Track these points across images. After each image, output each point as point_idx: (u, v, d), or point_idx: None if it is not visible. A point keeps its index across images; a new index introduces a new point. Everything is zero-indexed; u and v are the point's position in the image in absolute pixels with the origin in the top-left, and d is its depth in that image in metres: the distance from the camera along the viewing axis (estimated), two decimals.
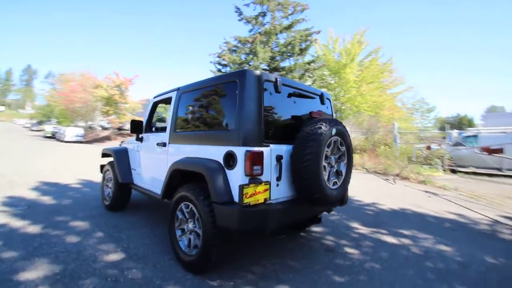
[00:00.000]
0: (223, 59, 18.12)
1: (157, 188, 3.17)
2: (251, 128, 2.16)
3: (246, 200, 2.05)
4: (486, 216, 4.69)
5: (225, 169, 2.23)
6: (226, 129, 2.36)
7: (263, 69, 17.15)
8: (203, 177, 2.26)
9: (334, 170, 2.55)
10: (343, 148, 2.60)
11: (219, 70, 18.41)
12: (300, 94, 2.71)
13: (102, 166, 4.63)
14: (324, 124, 2.32)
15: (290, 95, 2.57)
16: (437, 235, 3.68)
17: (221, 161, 2.27)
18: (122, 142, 4.72)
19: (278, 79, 2.40)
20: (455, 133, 13.99)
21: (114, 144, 18.28)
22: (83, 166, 8.82)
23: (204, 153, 2.48)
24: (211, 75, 16.36)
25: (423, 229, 3.87)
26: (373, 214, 4.63)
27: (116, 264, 2.55)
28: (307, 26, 17.37)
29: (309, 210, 2.64)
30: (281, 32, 17.72)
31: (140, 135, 3.62)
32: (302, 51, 17.39)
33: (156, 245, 3.00)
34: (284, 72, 18.09)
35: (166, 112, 3.65)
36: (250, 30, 18.86)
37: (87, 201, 4.68)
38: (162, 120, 4.08)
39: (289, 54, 17.75)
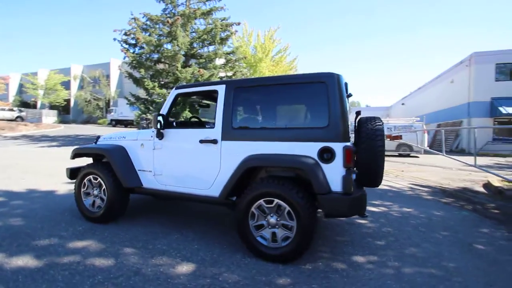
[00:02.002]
0: (135, 38, 16.02)
1: (201, 188, 2.95)
2: (344, 125, 2.45)
3: (351, 189, 2.37)
4: (404, 185, 6.54)
5: (320, 162, 2.44)
6: (318, 126, 2.53)
7: (183, 55, 16.20)
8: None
9: None
10: None
11: (127, 50, 16.21)
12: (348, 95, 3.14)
13: (73, 171, 3.67)
14: (379, 121, 2.85)
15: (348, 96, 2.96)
16: (394, 201, 4.97)
17: (315, 156, 2.46)
18: (99, 137, 3.86)
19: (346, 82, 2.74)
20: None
21: None
22: None
23: (285, 150, 2.56)
24: (115, 53, 14.13)
25: (382, 199, 5.11)
26: None
27: (200, 274, 2.34)
28: (226, 15, 17.51)
29: None
30: (200, 17, 17.15)
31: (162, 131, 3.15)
32: (223, 41, 17.44)
33: (214, 247, 2.84)
34: (204, 60, 17.72)
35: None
36: (164, 9, 17.38)
37: (51, 217, 3.63)
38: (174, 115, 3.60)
39: (208, 42, 17.44)
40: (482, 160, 11.18)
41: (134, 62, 15.81)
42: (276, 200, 2.53)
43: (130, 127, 24.85)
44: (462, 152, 18.11)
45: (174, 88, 3.25)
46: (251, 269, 2.44)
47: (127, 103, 18.02)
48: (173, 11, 17.41)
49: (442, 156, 9.80)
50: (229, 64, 17.97)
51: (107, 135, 3.85)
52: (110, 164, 3.40)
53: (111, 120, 30.87)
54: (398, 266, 2.59)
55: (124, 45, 16.67)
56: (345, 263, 2.62)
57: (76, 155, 3.72)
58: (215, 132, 2.89)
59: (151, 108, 17.01)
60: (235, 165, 2.75)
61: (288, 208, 2.48)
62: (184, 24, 16.17)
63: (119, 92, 35.94)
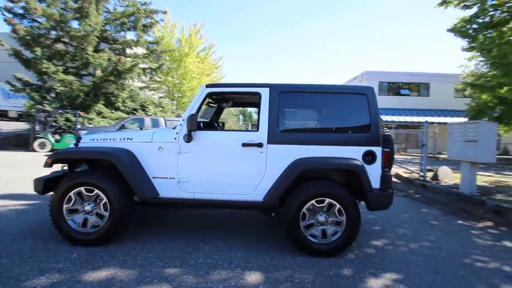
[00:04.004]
0: (25, 8, 12.58)
1: (241, 194, 2.83)
2: (380, 132, 2.90)
3: (391, 186, 2.83)
4: None
5: (364, 164, 2.80)
6: (362, 132, 2.85)
7: (96, 38, 13.84)
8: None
9: None
10: None
11: (14, 21, 12.64)
12: None
13: (49, 182, 2.80)
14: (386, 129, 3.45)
15: None
16: None
17: (360, 159, 2.81)
18: (80, 138, 3.06)
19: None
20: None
21: None
22: None
23: (331, 153, 2.79)
24: None
25: None
26: None
27: (275, 280, 2.30)
28: (146, 0, 15.90)
29: None
30: None
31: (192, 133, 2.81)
32: (146, 28, 15.77)
33: (256, 252, 2.78)
34: (121, 46, 15.66)
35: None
36: None
37: (19, 247, 2.67)
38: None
39: (128, 27, 15.46)
40: None
41: (28, 38, 12.33)
42: (327, 200, 2.75)
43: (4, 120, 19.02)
44: None
45: (204, 86, 2.95)
46: (313, 266, 2.56)
47: (11, 90, 13.90)
48: None
49: None
50: (153, 55, 16.43)
51: (96, 135, 3.09)
52: (114, 172, 2.79)
53: None
54: (404, 244, 3.25)
55: (7, 14, 12.84)
56: (370, 247, 3.09)
57: (57, 160, 2.83)
58: (260, 136, 2.83)
59: (48, 97, 13.73)
60: (281, 169, 2.79)
61: (338, 205, 2.74)
62: (98, 1, 13.76)
63: None
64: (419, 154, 10.79)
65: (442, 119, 20.45)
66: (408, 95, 22.75)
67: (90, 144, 2.99)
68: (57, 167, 3.04)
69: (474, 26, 8.11)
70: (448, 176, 7.44)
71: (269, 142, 2.82)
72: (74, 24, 13.96)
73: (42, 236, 2.96)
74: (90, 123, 13.28)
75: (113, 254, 2.63)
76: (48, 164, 2.82)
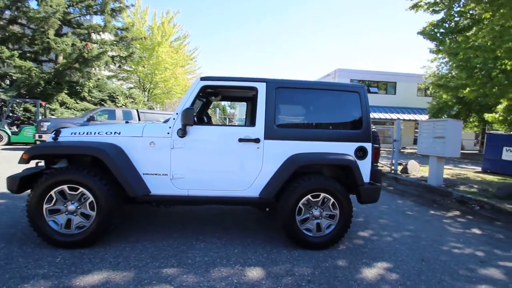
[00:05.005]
0: None
1: (237, 190, 2.80)
2: (370, 129, 3.01)
3: (381, 180, 2.96)
4: None
5: (356, 160, 2.90)
6: (355, 128, 2.93)
7: (58, 20, 12.72)
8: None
9: None
10: None
11: None
12: None
13: (25, 180, 2.54)
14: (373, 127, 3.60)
15: None
16: None
17: (352, 154, 2.90)
18: (59, 131, 2.80)
19: None
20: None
21: None
22: None
23: (325, 149, 2.85)
24: None
25: None
26: None
27: (276, 275, 2.32)
28: None
29: None
30: None
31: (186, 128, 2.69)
32: (114, 13, 14.74)
33: (253, 247, 2.77)
34: (86, 31, 14.57)
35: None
36: None
37: None
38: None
39: (95, 10, 14.36)
40: None
41: None
42: (322, 194, 2.81)
43: None
44: None
45: (199, 79, 2.83)
46: (310, 259, 2.62)
47: None
48: None
49: None
50: (122, 43, 15.46)
51: (76, 129, 2.84)
52: (98, 168, 2.61)
53: None
54: (388, 234, 3.45)
55: None
56: (358, 238, 3.24)
57: (35, 156, 2.55)
58: (257, 131, 2.80)
59: (3, 85, 12.39)
60: (277, 165, 2.80)
61: (332, 200, 2.82)
62: None
63: None
64: (387, 149, 11.48)
65: (406, 116, 21.89)
66: (377, 93, 23.95)
67: (72, 138, 2.74)
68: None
69: (441, 30, 8.73)
70: (416, 169, 8.02)
71: (265, 137, 2.81)
72: (33, 4, 12.65)
73: (16, 239, 2.68)
74: (52, 114, 12.22)
75: (102, 256, 2.46)
76: (24, 160, 2.54)
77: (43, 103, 11.41)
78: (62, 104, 13.22)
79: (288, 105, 3.09)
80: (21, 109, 12.00)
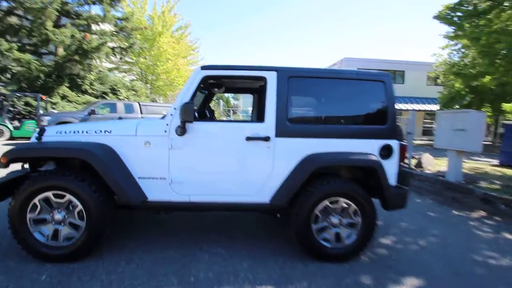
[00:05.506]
0: None
1: (244, 195, 2.46)
2: (396, 124, 2.63)
3: (409, 182, 2.60)
4: None
5: (380, 159, 2.54)
6: (379, 123, 2.54)
7: (56, 10, 12.31)
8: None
9: None
10: None
11: None
12: None
13: (4, 185, 2.24)
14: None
15: None
16: None
17: (376, 153, 2.53)
18: (44, 130, 2.48)
19: None
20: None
21: None
22: None
23: (345, 147, 2.49)
24: None
25: None
26: None
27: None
28: None
29: None
30: None
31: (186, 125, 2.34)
32: (113, 2, 14.26)
33: (263, 261, 2.46)
34: (86, 22, 14.15)
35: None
36: None
37: None
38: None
39: (94, 0, 13.90)
40: None
41: None
42: (341, 200, 2.47)
43: None
44: None
45: (199, 68, 2.47)
46: (328, 275, 2.30)
47: None
48: None
49: None
50: (122, 33, 15.03)
51: (63, 127, 2.52)
52: (88, 172, 2.29)
53: None
54: (413, 240, 3.10)
55: None
56: (381, 247, 2.90)
57: (14, 159, 2.24)
58: (267, 128, 2.44)
59: (3, 78, 12.14)
60: (292, 166, 2.44)
61: (353, 205, 2.48)
62: None
63: None
64: None
65: (415, 106, 21.22)
66: None
67: (57, 138, 2.42)
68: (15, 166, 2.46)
69: (458, 13, 8.14)
70: (431, 164, 7.60)
71: (277, 135, 2.45)
72: None
73: (0, 251, 2.41)
74: (54, 108, 11.97)
75: (93, 272, 2.17)
76: (2, 164, 2.23)
77: (44, 97, 11.14)
78: (64, 97, 12.95)
79: (302, 97, 2.72)
80: (21, 103, 11.76)
